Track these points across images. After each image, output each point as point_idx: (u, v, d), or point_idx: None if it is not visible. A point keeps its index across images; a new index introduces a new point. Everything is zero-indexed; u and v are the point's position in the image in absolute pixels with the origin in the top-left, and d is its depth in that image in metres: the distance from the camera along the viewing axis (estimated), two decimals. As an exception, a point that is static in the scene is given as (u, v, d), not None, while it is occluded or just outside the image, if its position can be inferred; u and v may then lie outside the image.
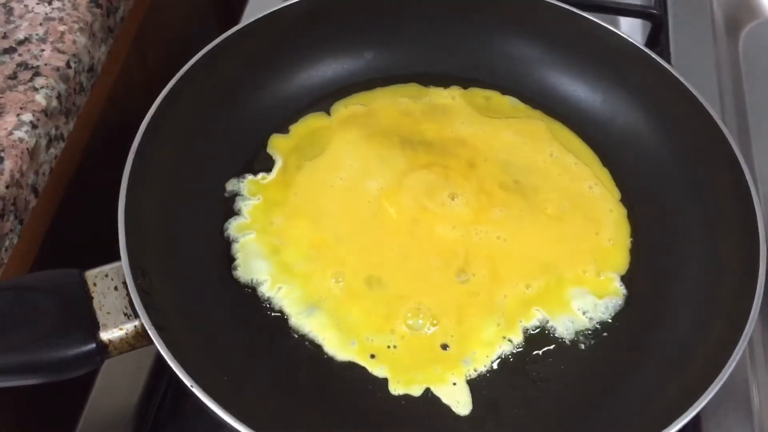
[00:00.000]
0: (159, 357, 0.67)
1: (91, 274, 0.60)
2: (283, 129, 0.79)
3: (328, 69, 0.83)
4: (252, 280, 0.69)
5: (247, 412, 0.56)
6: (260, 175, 0.75)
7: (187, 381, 0.55)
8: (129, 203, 0.63)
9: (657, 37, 0.90)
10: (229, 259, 0.70)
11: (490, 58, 0.84)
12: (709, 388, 0.59)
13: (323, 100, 0.82)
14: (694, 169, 0.75)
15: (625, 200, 0.76)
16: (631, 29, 0.96)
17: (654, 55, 0.77)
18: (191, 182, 0.71)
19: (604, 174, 0.78)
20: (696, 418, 0.67)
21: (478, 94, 0.82)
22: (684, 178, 0.75)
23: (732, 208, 0.70)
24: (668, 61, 0.86)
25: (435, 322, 0.67)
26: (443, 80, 0.83)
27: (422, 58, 0.84)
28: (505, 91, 0.83)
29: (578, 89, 0.82)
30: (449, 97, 0.82)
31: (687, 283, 0.70)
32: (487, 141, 0.78)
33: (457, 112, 0.80)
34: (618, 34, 0.79)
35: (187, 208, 0.70)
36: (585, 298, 0.70)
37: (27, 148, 0.65)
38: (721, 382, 0.59)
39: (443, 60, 0.84)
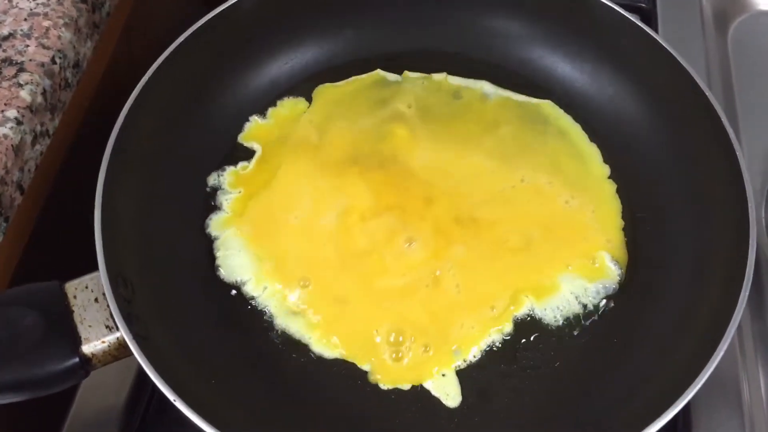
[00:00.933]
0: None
1: (71, 286, 0.60)
2: (263, 115, 0.78)
3: (307, 52, 0.82)
4: (236, 281, 0.68)
5: (233, 421, 0.56)
6: (240, 164, 0.75)
7: (169, 395, 0.55)
8: (106, 209, 0.62)
9: (646, 31, 0.90)
10: (213, 259, 0.70)
11: (474, 34, 0.83)
12: (699, 377, 0.59)
13: (303, 84, 0.81)
14: (683, 144, 0.74)
15: (615, 176, 0.76)
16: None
17: (641, 24, 0.77)
18: (171, 178, 0.71)
19: (593, 150, 0.77)
20: (686, 411, 0.68)
21: (446, 88, 0.80)
22: (673, 154, 0.75)
23: (722, 189, 0.70)
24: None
25: (413, 337, 0.66)
26: (425, 58, 0.82)
27: (403, 36, 0.83)
28: (487, 68, 0.82)
29: (563, 63, 0.82)
30: (406, 104, 0.79)
31: (676, 270, 0.70)
32: (446, 173, 0.75)
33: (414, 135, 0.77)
34: (604, 4, 0.78)
35: (168, 207, 0.70)
36: (575, 282, 0.70)
37: (12, 145, 0.64)
38: (710, 371, 0.59)
39: (425, 37, 0.83)
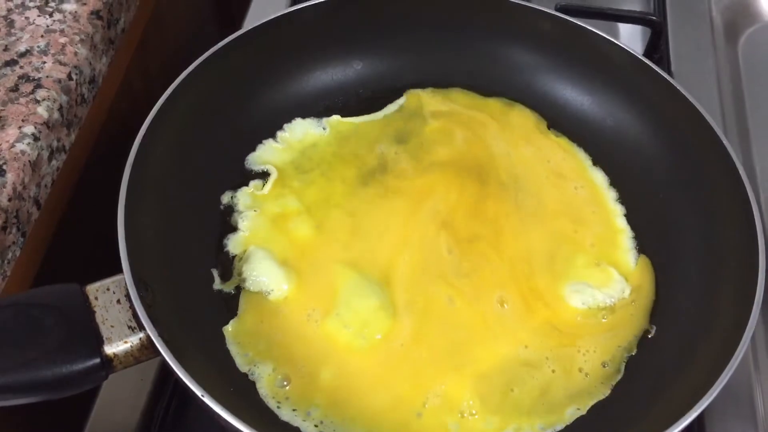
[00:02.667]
0: (162, 369, 0.68)
1: (92, 289, 0.60)
2: (275, 137, 0.80)
3: (319, 79, 0.84)
4: (261, 291, 0.69)
5: (257, 419, 0.56)
6: (253, 184, 0.75)
7: (197, 391, 0.55)
8: (128, 217, 0.63)
9: (657, 44, 0.90)
10: (228, 271, 0.70)
11: (485, 67, 0.84)
12: (712, 388, 0.59)
13: (315, 108, 0.82)
14: (692, 176, 0.75)
15: (622, 200, 0.77)
16: (630, 35, 0.97)
17: (651, 64, 0.78)
18: (189, 193, 0.71)
19: (597, 174, 0.79)
20: (700, 422, 0.67)
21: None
22: (681, 181, 0.76)
23: (730, 210, 0.70)
24: (668, 67, 0.87)
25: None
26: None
27: (415, 66, 0.85)
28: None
29: (576, 96, 0.83)
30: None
31: (687, 286, 0.70)
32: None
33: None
34: (615, 44, 0.79)
35: (187, 219, 0.70)
36: (585, 291, 0.70)
37: (29, 161, 0.65)
38: (723, 383, 0.59)
39: (435, 69, 0.85)
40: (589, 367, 0.67)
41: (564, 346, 0.67)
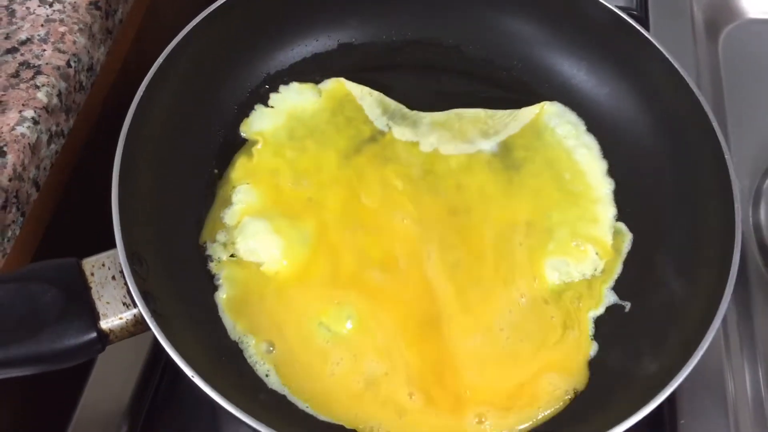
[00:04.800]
0: (155, 345, 0.70)
1: (88, 263, 0.62)
2: (267, 102, 0.80)
3: (315, 40, 0.84)
4: (254, 261, 0.70)
5: (246, 398, 0.58)
6: (245, 154, 0.76)
7: (187, 371, 0.56)
8: (122, 189, 0.64)
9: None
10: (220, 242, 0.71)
11: (476, 32, 0.85)
12: (683, 368, 0.61)
13: (311, 71, 0.82)
14: (674, 142, 0.77)
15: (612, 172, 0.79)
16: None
17: (635, 23, 0.80)
18: (183, 163, 0.73)
19: (592, 142, 0.80)
20: (672, 404, 0.70)
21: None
22: (666, 151, 0.78)
23: (713, 190, 0.72)
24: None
25: None
26: (422, 49, 0.85)
27: (405, 27, 0.85)
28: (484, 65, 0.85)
29: (562, 62, 0.85)
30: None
31: (666, 263, 0.73)
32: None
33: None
34: (602, 4, 0.81)
35: (181, 191, 0.72)
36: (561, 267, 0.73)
37: (29, 143, 0.68)
38: (695, 362, 0.61)
39: (424, 28, 0.85)
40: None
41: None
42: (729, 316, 0.77)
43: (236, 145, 0.77)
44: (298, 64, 0.83)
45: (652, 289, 0.72)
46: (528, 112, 0.82)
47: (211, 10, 0.76)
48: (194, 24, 0.75)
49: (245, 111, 0.79)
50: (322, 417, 0.64)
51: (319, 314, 0.68)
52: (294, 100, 0.80)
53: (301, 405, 0.64)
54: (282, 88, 0.81)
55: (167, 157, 0.72)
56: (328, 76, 0.82)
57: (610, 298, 0.72)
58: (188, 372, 0.56)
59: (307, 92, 0.81)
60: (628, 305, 0.72)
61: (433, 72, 0.85)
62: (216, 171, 0.76)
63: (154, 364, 0.71)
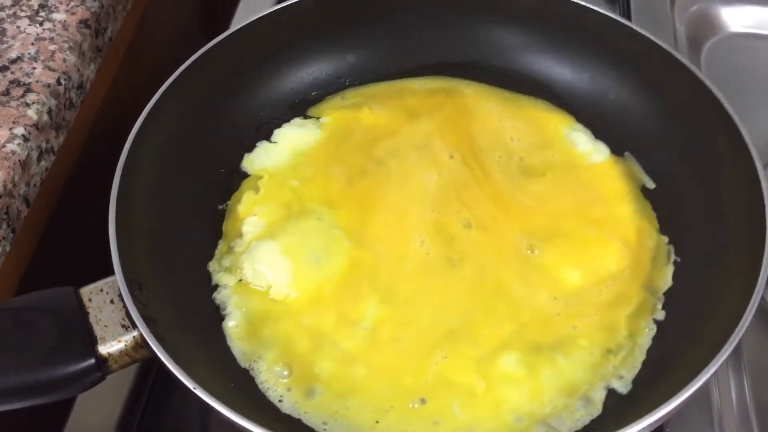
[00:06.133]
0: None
1: (86, 291, 0.60)
2: (270, 138, 0.80)
3: (312, 76, 0.84)
4: (262, 285, 0.70)
5: (257, 417, 0.56)
6: (248, 188, 0.76)
7: (193, 387, 0.55)
8: (120, 217, 0.63)
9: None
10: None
11: (473, 49, 0.86)
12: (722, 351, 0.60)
13: (309, 107, 0.83)
14: (688, 133, 0.78)
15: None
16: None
17: (648, 34, 0.80)
18: (185, 195, 0.72)
19: (603, 146, 0.81)
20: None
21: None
22: (681, 143, 0.78)
23: (736, 184, 0.72)
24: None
25: None
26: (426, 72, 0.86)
27: (404, 54, 0.85)
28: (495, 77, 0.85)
29: (564, 70, 0.85)
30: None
31: (689, 269, 0.73)
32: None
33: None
34: (596, 11, 0.82)
35: (179, 218, 0.71)
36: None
37: (19, 160, 0.69)
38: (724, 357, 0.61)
39: (427, 56, 0.86)
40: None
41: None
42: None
43: (240, 180, 0.77)
44: (299, 99, 0.83)
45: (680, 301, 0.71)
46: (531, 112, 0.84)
47: (210, 46, 0.77)
48: (188, 64, 0.75)
49: (248, 147, 0.79)
50: None
51: (333, 334, 0.67)
52: (296, 134, 0.80)
53: (319, 429, 0.63)
54: (284, 123, 0.81)
55: (167, 192, 0.71)
56: (331, 110, 0.83)
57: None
58: (193, 388, 0.55)
59: (309, 125, 0.81)
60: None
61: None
62: (221, 207, 0.75)
63: (145, 377, 0.71)
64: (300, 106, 0.83)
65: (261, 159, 0.79)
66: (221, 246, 0.73)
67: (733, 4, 1.03)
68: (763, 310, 0.80)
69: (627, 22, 0.82)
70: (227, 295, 0.69)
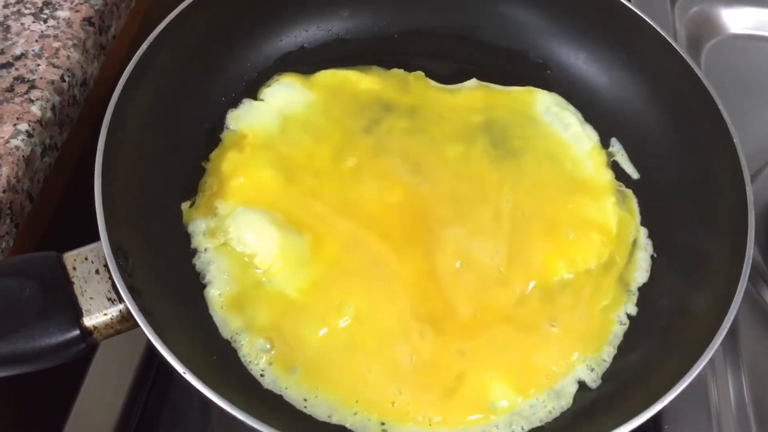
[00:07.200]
0: (148, 350, 0.71)
1: (69, 257, 0.59)
2: (257, 96, 0.78)
3: (306, 31, 0.82)
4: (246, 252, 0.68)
5: (241, 397, 0.56)
6: (233, 147, 0.74)
7: (178, 367, 0.55)
8: (105, 183, 0.62)
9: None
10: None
11: (469, 16, 0.85)
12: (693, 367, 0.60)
13: (303, 61, 0.81)
14: (680, 127, 0.78)
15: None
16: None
17: (650, 21, 0.80)
18: (169, 155, 0.71)
19: (591, 130, 0.80)
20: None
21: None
22: (672, 136, 0.78)
23: (722, 181, 0.72)
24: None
25: None
26: (419, 39, 0.84)
27: (404, 13, 0.84)
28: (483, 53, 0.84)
29: (572, 52, 0.85)
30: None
31: (674, 261, 0.73)
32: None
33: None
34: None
35: (167, 183, 0.70)
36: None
37: (23, 156, 0.69)
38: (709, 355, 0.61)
39: (424, 17, 0.84)
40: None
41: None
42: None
43: (225, 137, 0.76)
44: (288, 56, 0.81)
45: (654, 296, 0.72)
46: (519, 92, 0.82)
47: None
48: (177, 13, 0.74)
49: (234, 104, 0.77)
50: (321, 417, 0.63)
51: (316, 307, 0.67)
52: (284, 93, 0.78)
53: (299, 405, 0.63)
54: (271, 80, 0.79)
55: (151, 149, 0.70)
56: (320, 68, 0.80)
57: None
58: (179, 368, 0.54)
59: (297, 84, 0.79)
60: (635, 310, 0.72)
61: (422, 60, 0.83)
62: (204, 165, 0.74)
63: (147, 369, 0.71)
64: (290, 61, 0.81)
65: (247, 116, 0.77)
66: (199, 203, 0.71)
67: (733, 5, 1.04)
68: (761, 309, 0.80)
69: (628, 4, 0.81)
70: (207, 260, 0.68)
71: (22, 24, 0.78)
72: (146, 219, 0.66)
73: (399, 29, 0.84)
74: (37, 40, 0.77)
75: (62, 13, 0.79)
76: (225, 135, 0.76)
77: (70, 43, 0.77)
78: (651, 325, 0.69)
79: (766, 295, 0.80)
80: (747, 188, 0.69)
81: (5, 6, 0.79)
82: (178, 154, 0.72)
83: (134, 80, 0.69)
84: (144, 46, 0.71)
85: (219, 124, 0.77)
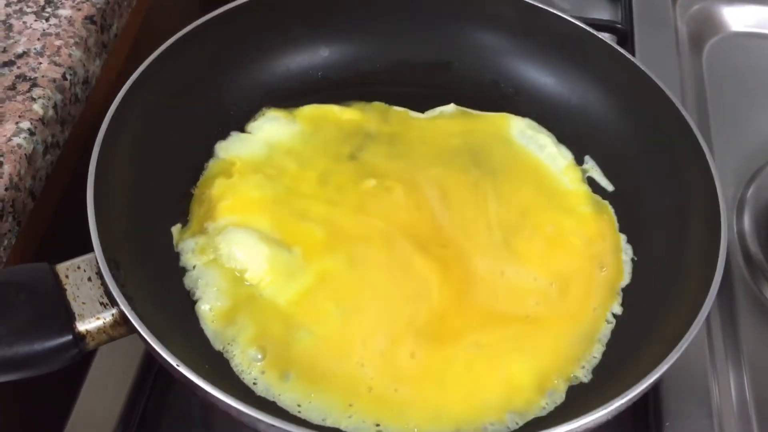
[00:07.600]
0: (147, 353, 0.71)
1: (62, 267, 0.60)
2: (244, 129, 0.80)
3: (285, 67, 0.85)
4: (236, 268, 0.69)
5: (234, 389, 0.57)
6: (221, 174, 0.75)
7: (171, 360, 0.55)
8: (98, 195, 0.63)
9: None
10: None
11: (443, 50, 0.87)
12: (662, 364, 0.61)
13: (283, 96, 0.83)
14: (655, 150, 0.79)
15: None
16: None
17: (616, 46, 0.82)
18: (160, 175, 0.72)
19: (565, 150, 0.82)
20: (657, 406, 0.71)
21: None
22: (647, 158, 0.79)
23: (696, 189, 0.73)
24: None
25: None
26: (399, 73, 0.87)
27: (377, 50, 0.87)
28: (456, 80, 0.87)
29: (541, 78, 0.87)
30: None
31: (650, 272, 0.74)
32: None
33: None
34: (574, 23, 0.83)
35: (159, 200, 0.71)
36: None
37: (25, 154, 0.69)
38: (672, 361, 0.61)
39: (401, 53, 0.87)
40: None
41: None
42: (713, 321, 0.79)
43: (213, 165, 0.77)
44: (273, 92, 0.83)
45: (637, 296, 0.73)
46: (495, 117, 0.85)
47: (186, 32, 0.77)
48: (169, 43, 0.76)
49: (222, 135, 0.79)
50: (315, 421, 0.63)
51: (306, 317, 0.68)
52: (270, 125, 0.80)
53: (293, 410, 0.63)
54: (258, 114, 0.82)
55: (141, 178, 0.71)
56: (304, 103, 0.83)
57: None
58: (172, 361, 0.55)
59: (282, 118, 0.81)
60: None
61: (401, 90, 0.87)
62: (193, 191, 0.75)
63: (146, 374, 0.71)
64: (275, 97, 0.83)
65: (235, 146, 0.78)
66: (190, 226, 0.72)
67: (734, 3, 1.04)
68: (763, 307, 0.81)
69: (588, 28, 0.83)
70: (196, 277, 0.69)
71: (24, 22, 0.78)
72: (137, 237, 0.67)
73: (378, 64, 0.87)
74: (39, 39, 0.77)
75: (64, 12, 0.79)
76: (213, 163, 0.78)
77: (71, 41, 0.77)
78: (636, 322, 0.71)
79: (767, 292, 0.81)
80: (717, 188, 0.71)
81: (7, 4, 0.79)
82: (168, 183, 0.73)
83: (126, 102, 0.70)
84: (128, 83, 0.72)
85: (207, 154, 0.78)
